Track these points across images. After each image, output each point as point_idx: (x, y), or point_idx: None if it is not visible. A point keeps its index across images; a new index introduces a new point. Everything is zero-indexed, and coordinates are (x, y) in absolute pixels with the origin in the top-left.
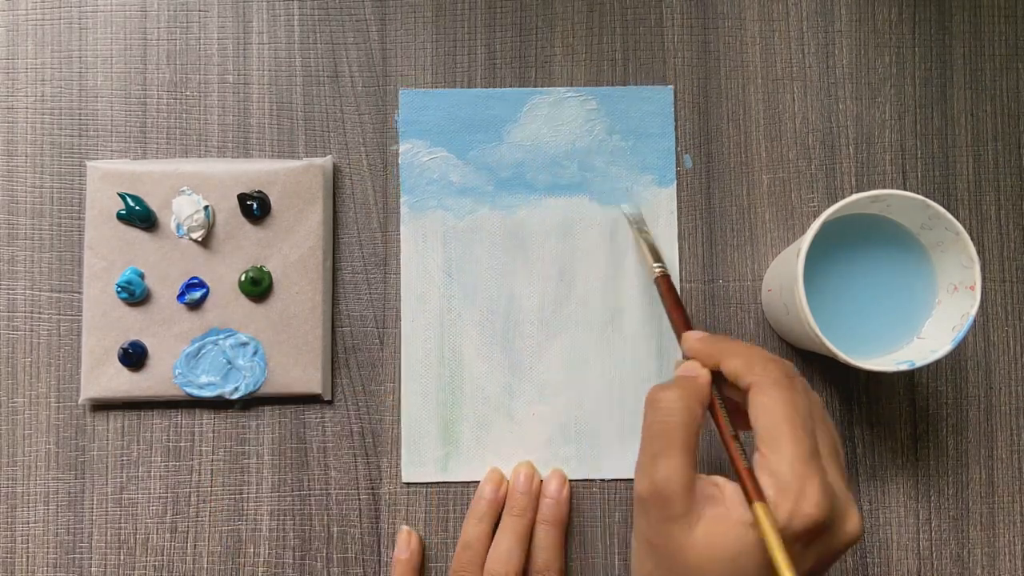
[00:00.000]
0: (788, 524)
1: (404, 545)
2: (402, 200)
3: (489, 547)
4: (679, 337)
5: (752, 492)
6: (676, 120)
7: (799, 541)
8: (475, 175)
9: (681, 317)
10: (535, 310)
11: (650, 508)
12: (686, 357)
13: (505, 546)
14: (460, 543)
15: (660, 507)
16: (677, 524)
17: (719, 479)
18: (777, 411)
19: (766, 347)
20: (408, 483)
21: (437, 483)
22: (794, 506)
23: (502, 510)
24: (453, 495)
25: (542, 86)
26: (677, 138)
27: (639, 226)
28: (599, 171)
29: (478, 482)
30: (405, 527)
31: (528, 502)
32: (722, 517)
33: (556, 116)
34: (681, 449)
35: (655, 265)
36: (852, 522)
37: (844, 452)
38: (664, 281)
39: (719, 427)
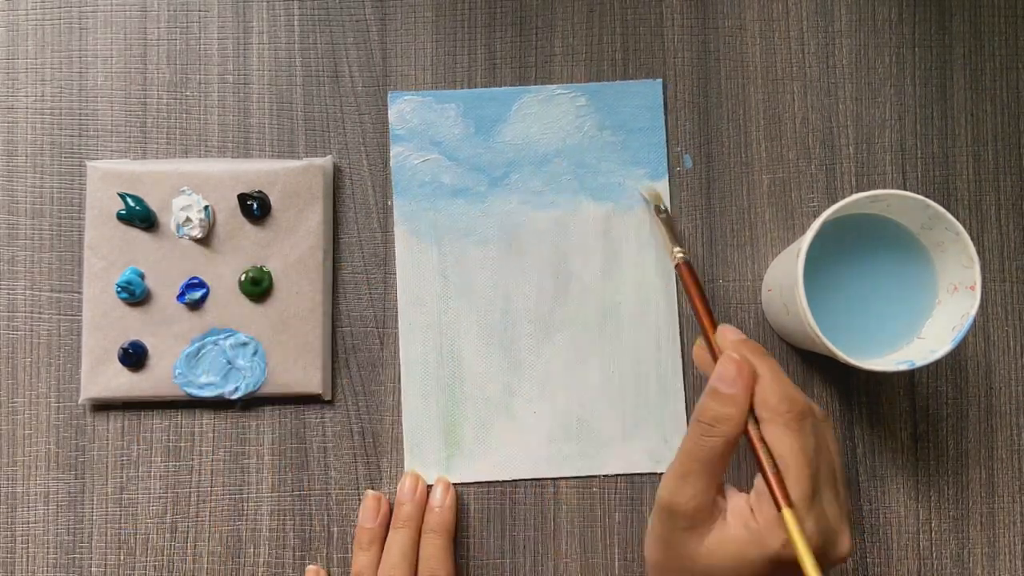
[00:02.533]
0: (780, 554)
1: (372, 514)
2: (395, 203)
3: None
4: (706, 329)
5: (781, 499)
6: (675, 118)
7: (789, 568)
8: (467, 176)
9: (706, 309)
10: (532, 308)
11: (668, 517)
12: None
13: (390, 562)
14: (352, 574)
15: (679, 519)
16: (691, 535)
17: (729, 491)
18: (784, 450)
19: (766, 347)
20: None
21: None
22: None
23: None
24: (454, 495)
25: (542, 86)
26: (673, 134)
27: (657, 205)
28: (591, 167)
29: (481, 482)
30: (371, 492)
31: (412, 511)
32: (724, 532)
33: (546, 114)
34: (711, 474)
35: (676, 250)
36: (842, 545)
37: (844, 472)
38: (685, 268)
39: (750, 439)
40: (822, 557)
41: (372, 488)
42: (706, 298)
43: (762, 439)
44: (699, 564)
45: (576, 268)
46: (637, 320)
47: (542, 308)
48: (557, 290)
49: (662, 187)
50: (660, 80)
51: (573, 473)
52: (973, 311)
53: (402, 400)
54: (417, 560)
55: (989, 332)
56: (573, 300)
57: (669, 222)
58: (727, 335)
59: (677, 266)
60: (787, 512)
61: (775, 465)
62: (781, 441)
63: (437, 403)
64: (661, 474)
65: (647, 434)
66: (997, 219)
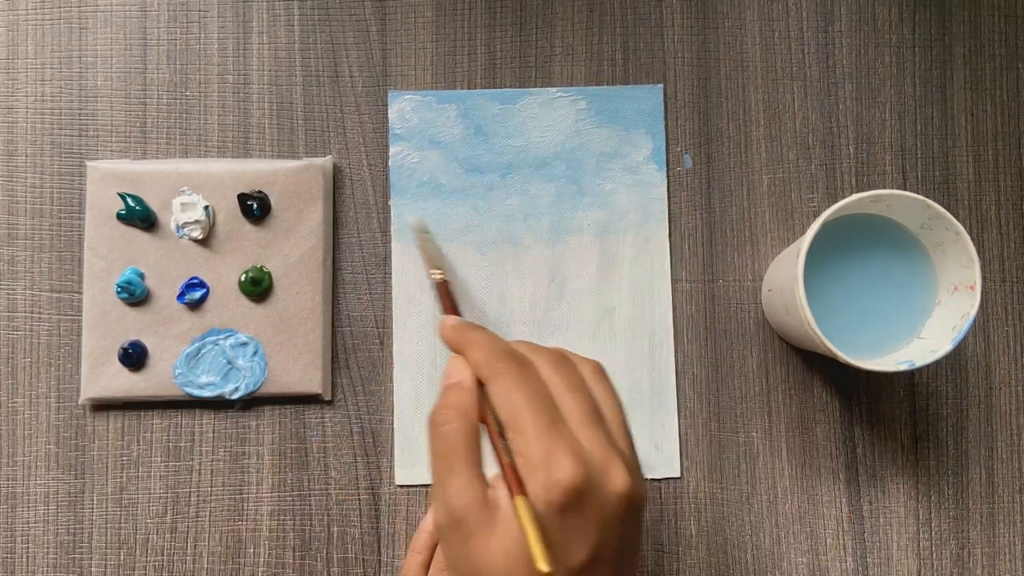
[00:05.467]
0: (545, 497)
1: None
2: (392, 203)
3: None
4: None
5: (512, 487)
6: (675, 118)
7: (565, 513)
8: (465, 177)
9: (450, 309)
10: (527, 311)
11: (450, 534)
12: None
13: None
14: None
15: (458, 529)
16: (475, 541)
17: (500, 482)
18: (509, 396)
19: (766, 347)
20: (401, 485)
21: None
22: (545, 478)
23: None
24: None
25: (542, 86)
26: (673, 134)
27: (420, 232)
28: (589, 170)
29: None
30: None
31: None
32: (508, 524)
33: (546, 116)
34: (465, 465)
35: (434, 272)
36: (615, 478)
37: (621, 412)
38: (441, 286)
39: (485, 423)
40: (595, 496)
41: (373, 488)
42: (456, 307)
43: (500, 431)
44: (493, 572)
45: (571, 272)
46: (631, 325)
47: (537, 311)
48: (552, 293)
49: (658, 193)
50: (660, 85)
51: None
52: (973, 311)
53: (395, 399)
54: None
55: (989, 332)
56: (568, 303)
57: (432, 245)
58: (445, 323)
59: (435, 285)
60: (519, 500)
61: (509, 453)
62: (504, 390)
63: (430, 403)
64: (654, 480)
65: (639, 439)
66: (997, 219)
